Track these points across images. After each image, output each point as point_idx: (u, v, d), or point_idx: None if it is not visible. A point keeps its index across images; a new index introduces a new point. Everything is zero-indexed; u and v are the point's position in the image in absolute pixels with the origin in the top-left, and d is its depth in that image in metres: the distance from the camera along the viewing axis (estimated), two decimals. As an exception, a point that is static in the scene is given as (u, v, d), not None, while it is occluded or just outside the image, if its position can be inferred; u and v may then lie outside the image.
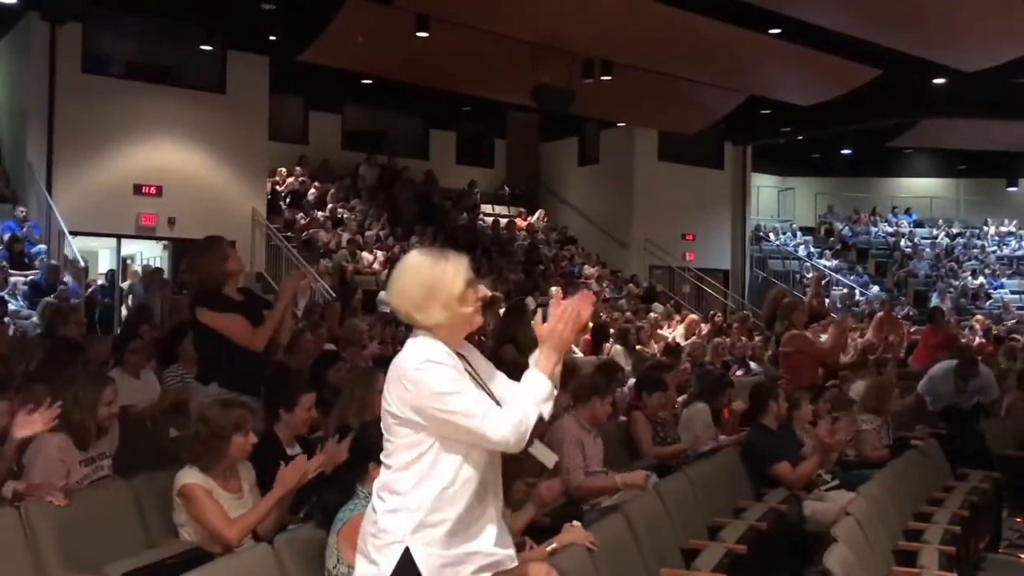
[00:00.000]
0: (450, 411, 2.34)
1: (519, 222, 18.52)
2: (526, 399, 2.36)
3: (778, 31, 12.43)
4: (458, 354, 2.50)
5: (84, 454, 3.99)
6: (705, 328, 12.95)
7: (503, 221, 18.09)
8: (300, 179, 16.55)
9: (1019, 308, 19.10)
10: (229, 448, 3.68)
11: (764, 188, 23.92)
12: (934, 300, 18.46)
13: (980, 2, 10.79)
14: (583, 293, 2.50)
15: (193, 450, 3.69)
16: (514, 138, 20.91)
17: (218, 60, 14.23)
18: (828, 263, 21.59)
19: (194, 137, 13.97)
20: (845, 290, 19.87)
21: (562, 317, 2.41)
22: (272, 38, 13.61)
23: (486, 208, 18.99)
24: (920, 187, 25.30)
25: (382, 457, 2.50)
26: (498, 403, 2.43)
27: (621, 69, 13.50)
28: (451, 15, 11.72)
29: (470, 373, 2.48)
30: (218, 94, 14.23)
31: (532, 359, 2.46)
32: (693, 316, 13.81)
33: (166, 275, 12.57)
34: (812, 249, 22.57)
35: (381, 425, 2.52)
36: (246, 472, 3.82)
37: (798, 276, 20.52)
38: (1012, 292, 20.63)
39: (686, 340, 11.53)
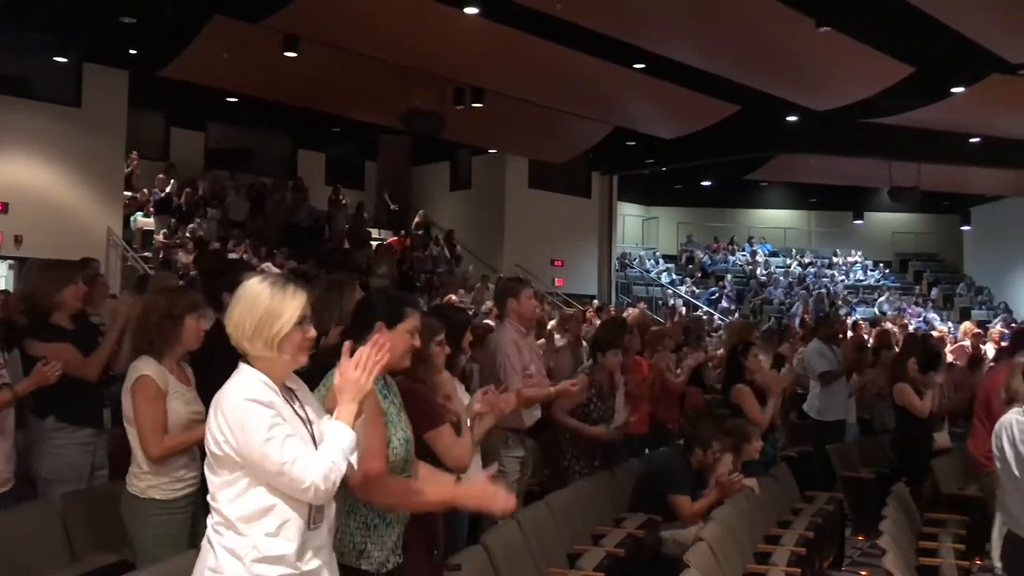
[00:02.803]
0: (261, 455, 2.29)
1: (393, 241, 18.34)
2: (334, 449, 2.34)
3: (642, 66, 12.83)
4: (288, 389, 2.46)
5: None
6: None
7: (374, 244, 17.93)
8: (165, 189, 15.96)
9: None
10: (182, 330, 3.61)
11: (629, 217, 24.61)
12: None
13: (831, 47, 11.40)
14: (375, 338, 2.49)
15: (142, 339, 3.60)
16: (385, 160, 20.82)
17: (73, 72, 13.59)
18: (693, 290, 22.32)
19: (46, 152, 13.27)
20: (704, 316, 20.54)
21: (356, 366, 2.39)
22: (132, 52, 13.12)
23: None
24: (775, 218, 26.55)
25: (210, 500, 2.43)
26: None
27: (492, 97, 13.65)
28: (320, 36, 11.59)
29: (296, 411, 2.44)
30: (73, 108, 13.57)
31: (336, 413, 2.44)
32: (568, 311, 13.64)
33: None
34: (674, 276, 23.30)
35: (204, 465, 2.44)
36: (190, 372, 3.79)
37: (661, 302, 21.13)
38: (859, 319, 21.78)
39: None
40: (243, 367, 2.43)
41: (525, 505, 4.95)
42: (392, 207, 20.03)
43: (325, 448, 2.34)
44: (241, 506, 2.35)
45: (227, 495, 2.37)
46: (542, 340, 6.96)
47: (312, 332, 2.47)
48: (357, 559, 2.79)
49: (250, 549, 2.33)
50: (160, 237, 14.83)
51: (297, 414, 2.44)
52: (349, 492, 2.75)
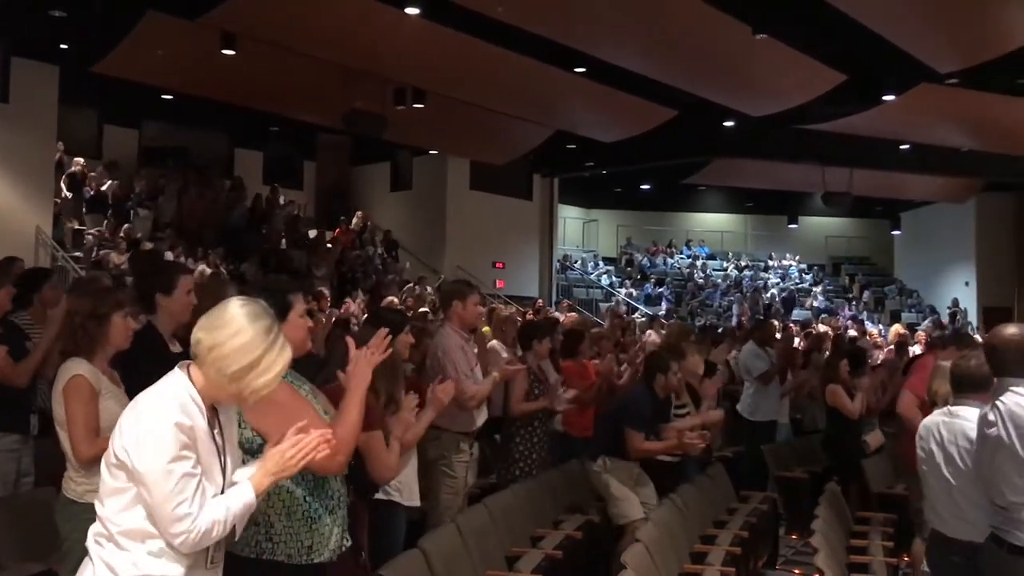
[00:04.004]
0: (153, 481, 2.14)
1: (337, 232, 18.10)
2: (222, 510, 2.22)
3: (583, 70, 12.92)
4: (213, 409, 2.31)
5: None
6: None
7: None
8: (102, 185, 15.51)
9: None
10: (109, 329, 3.52)
11: (570, 219, 24.76)
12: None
13: (766, 54, 11.61)
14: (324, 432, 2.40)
15: (68, 341, 3.50)
16: (324, 160, 20.62)
17: (0, 66, 13.21)
18: (632, 292, 22.52)
19: (-30, 147, 12.87)
20: (643, 318, 20.73)
21: (296, 447, 2.29)
22: (63, 46, 12.77)
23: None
24: (712, 222, 26.96)
25: (96, 504, 2.27)
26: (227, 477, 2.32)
27: (433, 98, 13.61)
28: (259, 34, 11.43)
29: (213, 437, 2.29)
30: (-1, 103, 13.21)
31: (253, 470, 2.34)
32: (497, 306, 13.56)
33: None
34: (614, 279, 23.50)
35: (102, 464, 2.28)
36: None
37: (602, 304, 21.29)
38: (791, 321, 22.21)
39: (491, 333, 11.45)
40: (178, 374, 2.27)
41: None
42: (358, 215, 19.76)
43: (215, 506, 2.21)
44: (127, 519, 2.20)
45: (115, 504, 2.21)
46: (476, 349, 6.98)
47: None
48: (307, 555, 2.75)
49: (129, 566, 2.18)
50: (91, 236, 14.46)
51: (214, 439, 2.29)
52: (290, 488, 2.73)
